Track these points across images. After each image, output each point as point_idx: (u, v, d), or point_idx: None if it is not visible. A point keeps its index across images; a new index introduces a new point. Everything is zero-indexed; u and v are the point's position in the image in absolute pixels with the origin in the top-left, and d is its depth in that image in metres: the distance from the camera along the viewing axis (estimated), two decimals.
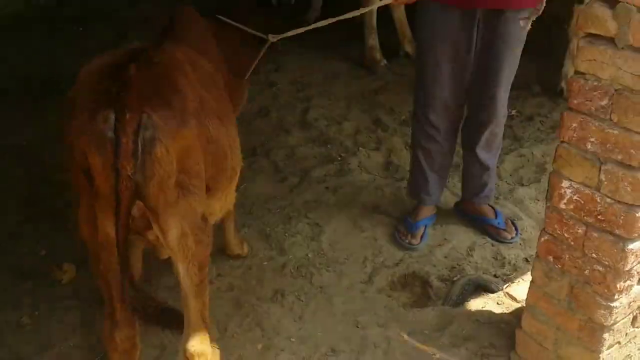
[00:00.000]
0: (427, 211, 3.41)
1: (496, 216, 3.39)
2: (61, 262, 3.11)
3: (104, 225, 1.93)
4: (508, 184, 3.92)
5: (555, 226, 2.18)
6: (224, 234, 3.10)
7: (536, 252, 2.30)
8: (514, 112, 4.56)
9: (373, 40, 5.24)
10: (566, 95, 4.99)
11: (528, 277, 3.08)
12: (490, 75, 2.97)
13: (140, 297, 2.41)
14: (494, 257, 3.26)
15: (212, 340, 2.25)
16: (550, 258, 2.24)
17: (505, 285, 2.98)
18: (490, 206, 3.44)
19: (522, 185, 3.91)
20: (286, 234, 3.41)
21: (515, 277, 3.06)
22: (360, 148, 4.20)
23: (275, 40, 2.83)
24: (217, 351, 2.31)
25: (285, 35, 2.83)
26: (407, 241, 3.28)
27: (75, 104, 1.98)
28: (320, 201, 3.70)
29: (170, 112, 1.93)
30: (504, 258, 3.24)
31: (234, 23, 2.85)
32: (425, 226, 3.36)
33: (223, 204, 2.48)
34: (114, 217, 1.86)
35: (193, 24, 2.64)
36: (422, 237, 3.31)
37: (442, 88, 3.02)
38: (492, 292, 2.96)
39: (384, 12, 5.15)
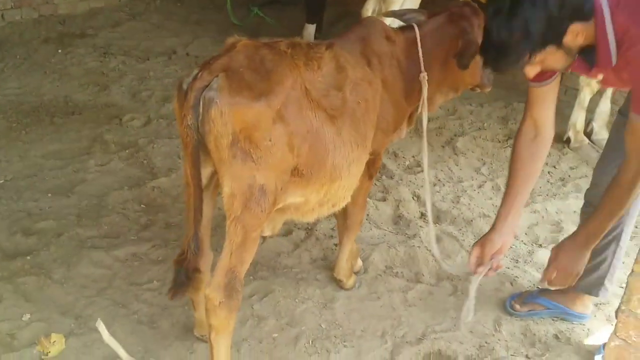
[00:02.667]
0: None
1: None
2: (49, 331, 2.75)
3: (184, 166, 2.34)
4: (525, 244, 3.71)
5: (630, 332, 1.94)
6: (337, 252, 3.17)
7: (604, 357, 2.05)
8: None
9: None
10: (573, 146, 4.86)
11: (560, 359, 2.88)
12: None
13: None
14: (522, 334, 3.02)
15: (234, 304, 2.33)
16: None
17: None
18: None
19: (541, 246, 3.70)
20: (296, 300, 3.11)
21: (549, 359, 2.82)
22: (367, 199, 3.94)
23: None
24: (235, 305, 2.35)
25: None
26: None
27: None
28: (330, 259, 3.42)
29: (243, 85, 2.19)
30: (534, 335, 3.01)
31: None
32: None
33: (322, 200, 2.57)
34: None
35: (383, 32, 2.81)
36: None
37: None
38: None
39: None
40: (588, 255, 2.48)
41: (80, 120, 4.71)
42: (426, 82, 2.83)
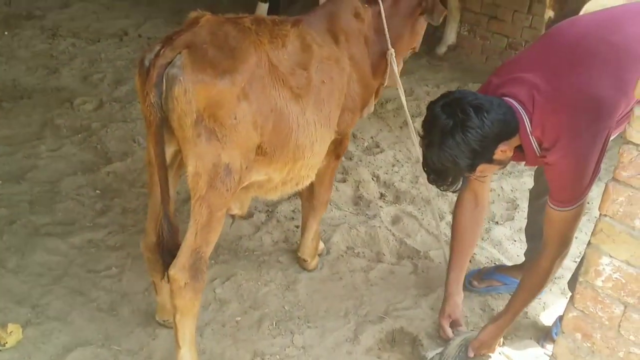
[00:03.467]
0: None
1: None
2: (5, 321, 2.68)
3: (147, 144, 2.30)
4: None
5: (588, 303, 1.99)
6: (301, 232, 3.16)
7: (561, 328, 2.10)
8: None
9: None
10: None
11: (520, 334, 2.94)
12: None
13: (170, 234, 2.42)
14: (481, 309, 3.08)
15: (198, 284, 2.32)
16: (579, 335, 2.05)
17: (500, 344, 2.79)
18: None
19: (497, 223, 3.77)
20: (259, 283, 3.10)
21: (507, 334, 2.88)
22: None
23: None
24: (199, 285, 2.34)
25: None
26: None
27: None
28: (291, 241, 3.42)
29: (207, 62, 2.13)
30: (492, 310, 3.07)
31: None
32: None
33: (286, 178, 2.56)
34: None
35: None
36: None
37: None
38: None
39: None
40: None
41: (30, 105, 4.56)
42: (394, 58, 2.83)
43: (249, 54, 2.25)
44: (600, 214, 1.90)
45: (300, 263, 3.22)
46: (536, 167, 3.01)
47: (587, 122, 2.25)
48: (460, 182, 2.43)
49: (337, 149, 2.84)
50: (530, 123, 2.32)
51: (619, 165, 1.81)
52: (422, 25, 3.00)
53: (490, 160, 2.35)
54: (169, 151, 2.31)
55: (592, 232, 1.94)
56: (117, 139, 4.19)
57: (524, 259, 3.23)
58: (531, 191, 3.14)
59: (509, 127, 2.31)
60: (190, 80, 2.11)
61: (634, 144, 1.77)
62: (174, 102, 2.13)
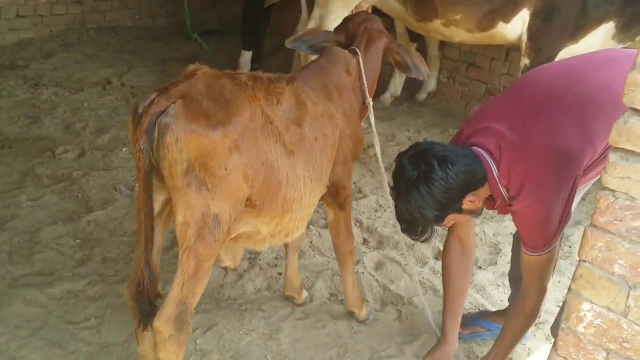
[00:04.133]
0: None
1: None
2: None
3: (139, 188, 2.27)
4: None
5: (571, 350, 1.98)
6: (343, 285, 3.17)
7: None
8: None
9: None
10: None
11: None
12: None
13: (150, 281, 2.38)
14: (466, 356, 3.06)
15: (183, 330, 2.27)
16: None
17: None
18: None
19: (480, 268, 3.77)
20: (241, 332, 3.05)
21: None
22: (309, 226, 3.93)
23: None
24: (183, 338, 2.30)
25: None
26: None
27: None
28: (274, 289, 3.39)
29: (200, 113, 2.17)
30: (477, 356, 3.05)
31: None
32: None
33: (274, 230, 2.55)
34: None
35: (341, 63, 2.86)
36: None
37: None
38: None
39: None
40: None
41: (11, 154, 4.54)
42: (372, 107, 2.89)
43: (243, 107, 2.29)
44: (580, 260, 1.91)
45: (351, 315, 3.22)
46: None
47: (552, 171, 2.29)
48: (430, 233, 2.46)
49: (335, 200, 2.86)
50: (498, 172, 2.35)
51: (597, 211, 1.83)
52: (379, 68, 3.10)
53: (459, 210, 2.38)
54: (159, 199, 2.33)
55: (572, 278, 1.95)
56: (98, 187, 4.17)
57: (507, 304, 3.23)
58: (514, 235, 3.16)
59: (474, 178, 2.34)
60: (182, 130, 2.14)
61: (609, 189, 1.80)
62: (166, 150, 2.15)
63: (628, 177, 1.74)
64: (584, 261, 1.89)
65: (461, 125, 2.59)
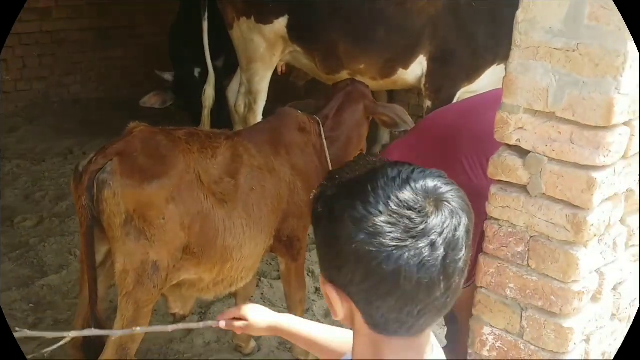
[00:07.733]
0: None
1: None
2: None
3: (81, 242, 2.45)
4: None
5: None
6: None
7: None
8: None
9: None
10: None
11: None
12: None
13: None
14: None
15: None
16: None
17: None
18: None
19: None
20: None
21: None
22: (261, 278, 4.03)
23: None
24: None
25: None
26: None
27: None
28: (223, 342, 3.46)
29: (135, 168, 2.36)
30: None
31: None
32: None
33: (217, 279, 2.66)
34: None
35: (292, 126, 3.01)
36: None
37: None
38: None
39: None
40: None
41: None
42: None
43: (178, 161, 2.47)
44: (478, 287, 2.04)
45: None
46: None
47: None
48: None
49: (289, 252, 2.98)
50: None
51: (486, 240, 1.98)
52: (365, 129, 3.31)
53: None
54: (102, 250, 2.49)
55: (473, 304, 2.08)
56: (54, 253, 4.26)
57: (445, 342, 3.32)
58: None
59: None
60: (119, 185, 2.34)
61: (494, 219, 1.95)
62: (104, 204, 2.34)
63: (508, 206, 1.90)
64: (481, 287, 2.03)
65: None
